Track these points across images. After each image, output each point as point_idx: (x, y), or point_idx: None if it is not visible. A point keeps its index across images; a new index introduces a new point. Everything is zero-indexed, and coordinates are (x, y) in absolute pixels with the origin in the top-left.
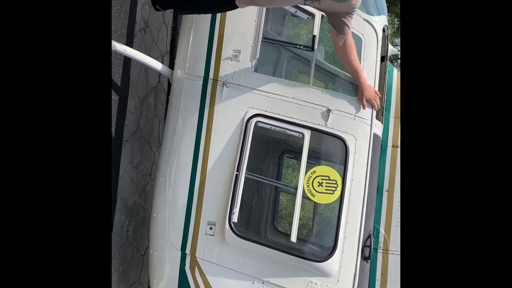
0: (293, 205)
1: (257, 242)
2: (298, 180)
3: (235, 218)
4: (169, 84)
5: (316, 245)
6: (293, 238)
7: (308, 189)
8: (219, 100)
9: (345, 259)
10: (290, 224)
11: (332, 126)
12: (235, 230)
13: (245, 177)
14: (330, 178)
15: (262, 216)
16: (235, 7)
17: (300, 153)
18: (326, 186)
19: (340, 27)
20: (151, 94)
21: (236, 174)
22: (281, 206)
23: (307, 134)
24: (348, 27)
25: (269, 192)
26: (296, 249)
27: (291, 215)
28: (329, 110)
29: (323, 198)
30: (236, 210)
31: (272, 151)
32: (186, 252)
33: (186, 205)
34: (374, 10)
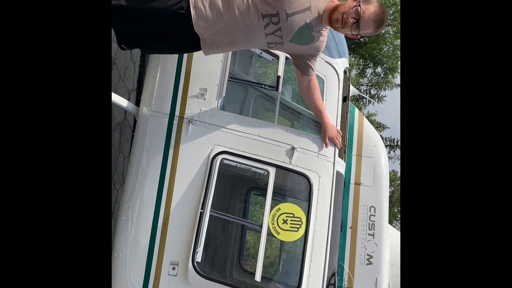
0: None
1: (221, 282)
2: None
3: (198, 258)
4: (135, 121)
5: (281, 283)
6: (258, 278)
7: (273, 227)
8: (185, 138)
9: None
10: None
11: (296, 163)
12: (198, 270)
13: (210, 215)
14: (295, 216)
15: (227, 255)
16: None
17: (266, 190)
18: (290, 224)
19: (305, 68)
20: (116, 131)
21: (201, 212)
22: (248, 245)
23: (272, 171)
24: (312, 69)
25: (235, 230)
26: None
27: (258, 253)
28: (293, 148)
29: (288, 236)
30: (200, 249)
31: (238, 188)
32: None
33: (148, 244)
34: (335, 53)
